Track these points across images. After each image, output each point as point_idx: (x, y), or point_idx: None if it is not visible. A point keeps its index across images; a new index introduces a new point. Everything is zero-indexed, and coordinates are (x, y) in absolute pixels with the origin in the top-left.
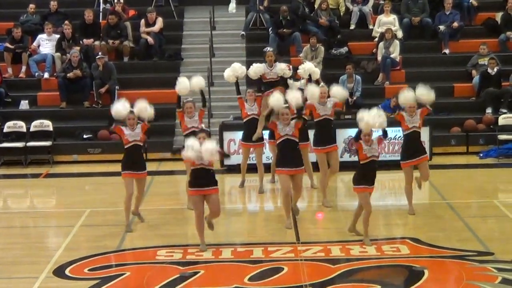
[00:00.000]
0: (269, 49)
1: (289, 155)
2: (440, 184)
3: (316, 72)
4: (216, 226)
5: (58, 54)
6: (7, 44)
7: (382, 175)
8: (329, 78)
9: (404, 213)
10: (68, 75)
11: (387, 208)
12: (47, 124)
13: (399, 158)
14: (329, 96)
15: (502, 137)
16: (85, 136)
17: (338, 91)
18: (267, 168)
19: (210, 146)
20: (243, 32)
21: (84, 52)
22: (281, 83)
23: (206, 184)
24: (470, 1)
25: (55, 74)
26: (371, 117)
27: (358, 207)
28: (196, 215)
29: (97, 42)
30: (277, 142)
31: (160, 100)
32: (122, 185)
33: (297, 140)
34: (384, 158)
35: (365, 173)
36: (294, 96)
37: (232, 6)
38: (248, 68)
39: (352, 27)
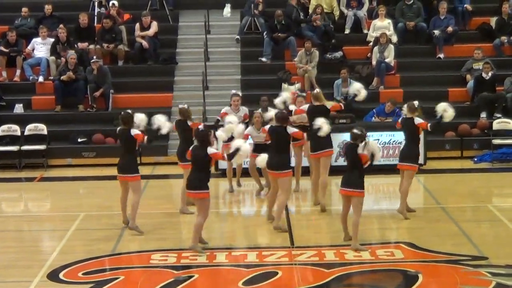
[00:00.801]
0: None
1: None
2: (434, 188)
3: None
4: (210, 230)
5: (53, 57)
6: (2, 48)
7: (377, 180)
8: (323, 82)
9: (399, 217)
10: (62, 77)
11: (381, 212)
12: (42, 128)
13: (393, 162)
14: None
15: (497, 141)
16: (79, 140)
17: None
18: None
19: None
20: (238, 36)
21: (79, 56)
22: None
23: None
24: (464, 5)
25: (50, 77)
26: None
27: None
28: (205, 218)
29: (91, 46)
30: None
31: (155, 104)
32: (116, 189)
33: None
34: (379, 162)
35: None
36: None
37: (227, 10)
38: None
39: (347, 31)
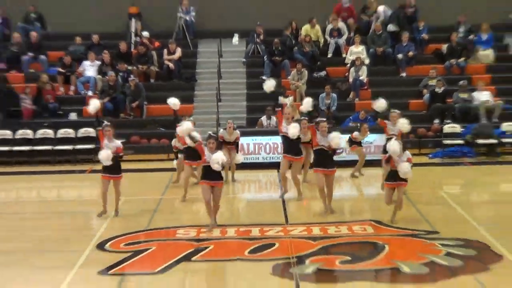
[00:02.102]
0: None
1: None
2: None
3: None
4: (222, 211)
5: (99, 76)
6: (59, 69)
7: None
8: (311, 95)
9: (370, 200)
10: (104, 100)
11: (356, 196)
12: (91, 131)
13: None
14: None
15: (447, 142)
16: (120, 141)
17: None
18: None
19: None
20: (244, 60)
21: (121, 75)
22: None
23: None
24: (422, 35)
25: (96, 91)
26: None
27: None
28: (207, 203)
29: (129, 67)
30: (314, 149)
31: (179, 113)
32: (147, 179)
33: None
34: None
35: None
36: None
37: (235, 39)
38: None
39: (329, 55)
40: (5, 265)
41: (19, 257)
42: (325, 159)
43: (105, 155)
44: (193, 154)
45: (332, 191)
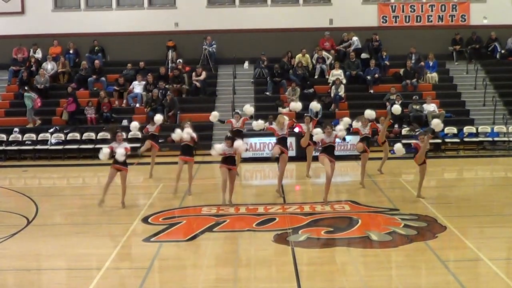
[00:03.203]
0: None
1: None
2: (368, 169)
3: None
4: (237, 194)
5: (145, 93)
6: (115, 87)
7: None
8: (303, 107)
9: (347, 185)
10: (149, 109)
11: (337, 182)
12: (138, 134)
13: (343, 154)
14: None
15: (404, 141)
16: (160, 140)
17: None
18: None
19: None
20: (252, 80)
21: (161, 92)
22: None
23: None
24: (385, 61)
25: (142, 105)
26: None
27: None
28: (223, 182)
29: (167, 86)
30: (323, 146)
31: (204, 119)
32: (175, 170)
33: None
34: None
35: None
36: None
37: (246, 64)
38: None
39: (316, 76)
40: (76, 234)
41: (85, 228)
42: (330, 152)
43: (121, 152)
44: (188, 150)
45: (329, 182)
